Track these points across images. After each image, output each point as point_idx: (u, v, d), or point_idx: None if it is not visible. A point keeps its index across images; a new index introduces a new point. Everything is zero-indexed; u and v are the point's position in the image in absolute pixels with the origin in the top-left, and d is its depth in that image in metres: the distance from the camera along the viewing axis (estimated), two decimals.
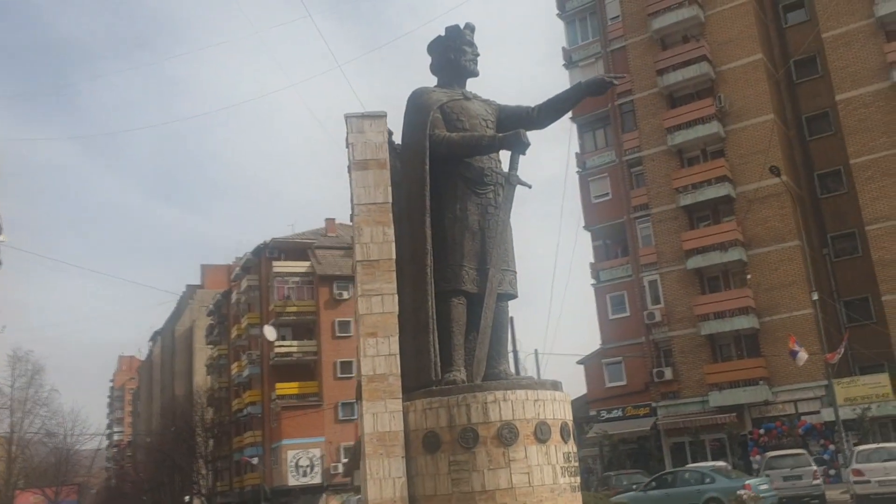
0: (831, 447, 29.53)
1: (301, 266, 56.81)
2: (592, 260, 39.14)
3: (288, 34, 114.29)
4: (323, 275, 55.43)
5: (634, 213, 37.41)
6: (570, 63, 41.83)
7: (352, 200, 10.02)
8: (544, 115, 10.09)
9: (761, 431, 31.73)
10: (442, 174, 9.71)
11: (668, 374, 34.90)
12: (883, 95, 32.38)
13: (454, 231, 9.62)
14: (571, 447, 9.35)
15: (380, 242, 9.64)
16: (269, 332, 53.81)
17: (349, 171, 10.10)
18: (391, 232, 9.57)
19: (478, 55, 10.49)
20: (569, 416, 9.44)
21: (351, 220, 10.38)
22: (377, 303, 9.42)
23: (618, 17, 40.70)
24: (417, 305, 9.44)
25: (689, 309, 34.53)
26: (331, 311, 55.41)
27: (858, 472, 18.80)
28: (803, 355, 25.08)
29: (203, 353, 76.30)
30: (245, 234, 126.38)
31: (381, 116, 10.06)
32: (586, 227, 39.16)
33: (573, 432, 9.55)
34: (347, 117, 10.06)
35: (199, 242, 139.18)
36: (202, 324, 77.60)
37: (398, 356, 9.11)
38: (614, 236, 38.97)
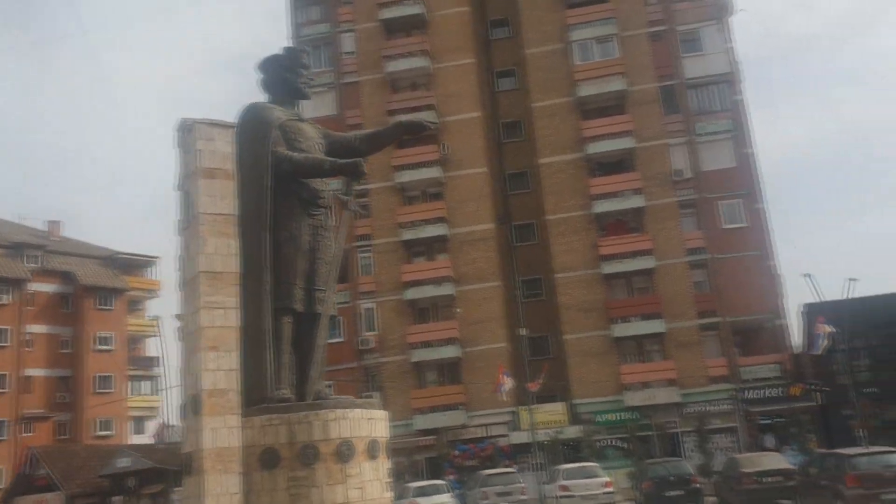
0: (515, 467, 33.25)
1: None
2: None
3: None
4: None
5: (356, 242, 38.95)
6: None
7: (188, 208, 9.76)
8: (366, 145, 10.75)
9: (456, 453, 34.76)
10: (279, 192, 9.85)
11: (377, 398, 36.62)
12: (576, 164, 37.95)
13: (288, 249, 9.77)
14: (389, 463, 10.02)
15: (224, 254, 9.52)
16: None
17: (186, 178, 9.85)
18: (235, 245, 9.52)
19: (312, 79, 10.92)
20: (387, 435, 10.10)
21: (180, 229, 10.07)
22: (219, 316, 9.30)
23: (353, 52, 42.39)
24: (250, 321, 9.44)
25: (402, 337, 36.76)
26: None
27: (565, 488, 21.93)
28: (509, 384, 28.23)
29: None
30: None
31: (231, 127, 9.97)
32: None
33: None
34: (196, 122, 9.80)
35: None
36: None
37: (238, 372, 9.10)
38: None
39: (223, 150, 9.82)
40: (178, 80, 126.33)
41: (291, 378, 9.70)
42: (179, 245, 10.02)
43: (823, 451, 19.47)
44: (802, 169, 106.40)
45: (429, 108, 39.34)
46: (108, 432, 51.35)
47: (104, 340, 53.05)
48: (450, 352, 36.31)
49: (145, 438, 54.99)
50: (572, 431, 34.01)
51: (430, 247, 38.66)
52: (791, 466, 19.71)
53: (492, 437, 35.28)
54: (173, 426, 30.29)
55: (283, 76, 10.43)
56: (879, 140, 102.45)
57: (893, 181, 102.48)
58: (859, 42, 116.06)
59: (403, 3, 41.37)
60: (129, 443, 48.13)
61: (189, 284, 9.60)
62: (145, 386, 60.68)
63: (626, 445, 33.73)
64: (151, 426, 59.97)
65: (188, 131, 9.86)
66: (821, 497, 16.01)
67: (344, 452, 8.99)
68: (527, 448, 33.76)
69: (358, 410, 9.43)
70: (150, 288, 61.76)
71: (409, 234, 37.87)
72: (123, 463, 31.61)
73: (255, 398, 9.15)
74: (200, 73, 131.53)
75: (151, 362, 61.10)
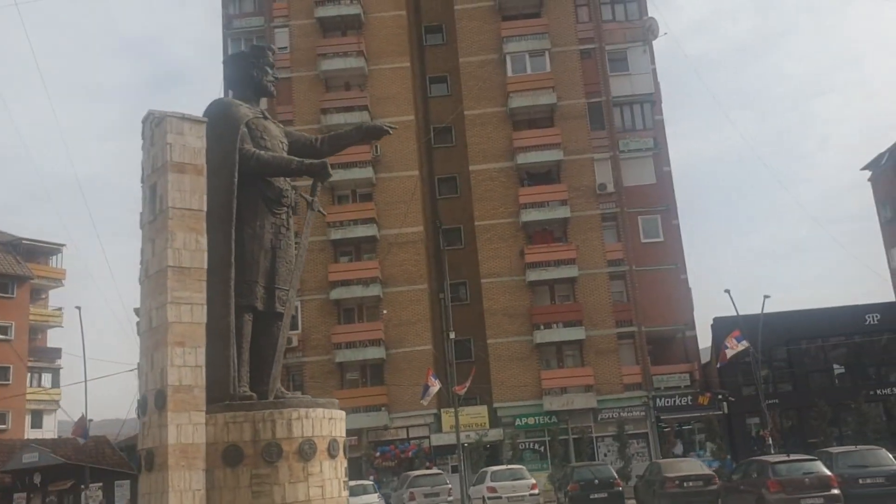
0: (435, 469, 33.66)
1: None
2: None
3: None
4: None
5: None
6: None
7: (155, 202, 9.71)
8: (326, 147, 11.01)
9: (377, 454, 34.90)
10: (244, 189, 9.97)
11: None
12: (506, 173, 38.75)
13: (252, 247, 9.92)
14: (346, 463, 10.30)
15: (192, 250, 9.50)
16: None
17: (153, 172, 9.80)
18: (204, 241, 9.53)
19: (277, 78, 11.08)
20: (345, 435, 10.37)
21: (143, 222, 10.00)
22: (186, 312, 9.28)
23: (286, 48, 41.93)
24: (216, 317, 9.51)
25: (326, 337, 36.63)
26: None
27: (493, 490, 22.45)
28: (435, 387, 28.59)
29: None
30: None
31: (202, 122, 9.96)
32: None
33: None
34: (167, 116, 9.76)
35: None
36: None
37: (204, 368, 9.14)
38: None
39: (194, 145, 9.78)
40: (82, 62, 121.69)
41: (247, 376, 9.85)
42: (142, 238, 9.97)
43: (750, 458, 20.56)
44: (703, 185, 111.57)
45: (362, 108, 39.39)
46: (3, 426, 48.95)
47: (3, 330, 50.53)
48: (374, 353, 36.41)
49: (44, 433, 52.66)
50: (492, 434, 34.70)
51: (358, 247, 38.68)
52: (711, 472, 20.85)
53: (413, 438, 35.59)
54: (91, 420, 29.21)
55: (248, 73, 10.57)
56: (774, 158, 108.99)
57: (787, 198, 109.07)
58: (755, 67, 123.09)
59: (340, 3, 41.29)
60: (26, 437, 46.09)
61: (154, 279, 9.53)
62: (46, 378, 58.13)
63: (542, 449, 34.65)
64: (51, 420, 57.51)
65: (157, 124, 9.79)
66: (742, 502, 17.04)
67: (306, 451, 9.18)
68: (447, 450, 34.21)
69: (320, 410, 9.64)
70: (55, 277, 59.19)
71: (337, 234, 37.77)
72: (30, 458, 30.30)
73: (217, 395, 9.22)
74: (109, 56, 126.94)
75: (54, 354, 58.58)
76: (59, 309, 58.91)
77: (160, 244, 9.41)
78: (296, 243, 10.79)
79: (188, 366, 9.11)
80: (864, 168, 51.40)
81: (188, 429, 8.89)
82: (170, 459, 8.65)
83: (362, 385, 37.09)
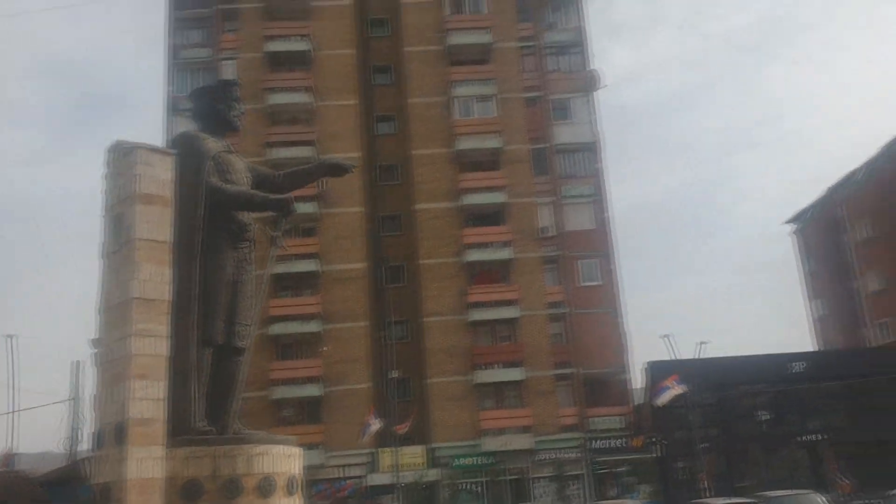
0: None
1: None
2: None
3: None
4: None
5: None
6: (175, 110, 41.32)
7: (120, 233, 9.67)
8: (288, 181, 11.14)
9: (313, 492, 34.31)
10: (208, 223, 10.01)
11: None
12: (451, 213, 39.26)
13: (214, 281, 9.91)
14: (302, 501, 10.27)
15: (157, 282, 9.48)
16: None
17: (119, 202, 9.77)
18: (169, 273, 9.52)
19: (243, 112, 11.22)
20: (302, 472, 10.36)
21: (106, 253, 9.91)
22: (150, 344, 9.23)
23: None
24: (177, 351, 9.47)
25: (264, 373, 35.97)
26: None
27: None
28: (375, 426, 28.41)
29: None
30: None
31: (171, 154, 9.99)
32: None
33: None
34: (136, 147, 9.76)
35: None
36: None
37: (165, 402, 9.07)
38: None
39: (162, 177, 9.78)
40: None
41: (204, 411, 9.79)
42: (103, 268, 9.86)
43: (691, 501, 20.95)
44: (639, 230, 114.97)
45: (308, 143, 39.44)
46: None
47: None
48: (312, 390, 36.00)
49: None
50: (430, 474, 34.56)
51: (299, 282, 38.36)
52: None
53: (349, 477, 35.14)
54: (17, 454, 27.83)
55: (214, 107, 10.58)
56: (701, 208, 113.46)
57: (714, 247, 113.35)
58: (680, 117, 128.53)
59: (290, 38, 41.53)
60: None
61: (116, 310, 9.43)
62: None
63: (479, 489, 34.65)
64: None
65: (125, 154, 9.77)
66: None
67: (265, 488, 9.11)
68: (383, 490, 33.91)
69: (280, 447, 9.60)
70: None
71: (278, 268, 37.29)
72: None
73: (175, 429, 9.14)
74: (33, 78, 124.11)
75: None
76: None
77: (124, 275, 9.34)
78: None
79: (150, 399, 9.02)
80: (789, 221, 53.84)
81: (148, 463, 8.78)
82: (129, 495, 8.51)
83: (298, 423, 36.48)
